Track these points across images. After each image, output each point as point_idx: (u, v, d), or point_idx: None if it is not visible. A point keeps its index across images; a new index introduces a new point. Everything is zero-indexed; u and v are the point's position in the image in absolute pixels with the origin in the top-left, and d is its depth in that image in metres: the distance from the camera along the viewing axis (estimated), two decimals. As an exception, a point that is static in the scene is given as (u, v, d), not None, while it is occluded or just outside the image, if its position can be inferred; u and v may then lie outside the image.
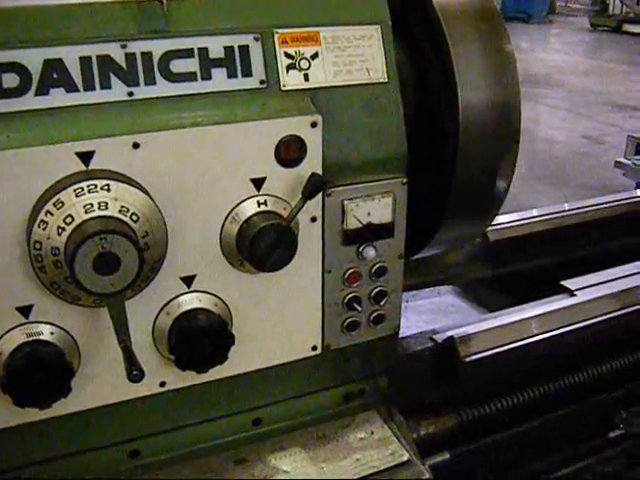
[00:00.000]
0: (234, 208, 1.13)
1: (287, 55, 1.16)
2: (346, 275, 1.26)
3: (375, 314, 1.32)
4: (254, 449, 1.30)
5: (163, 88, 1.08)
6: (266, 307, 1.22)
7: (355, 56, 1.21)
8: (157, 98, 1.07)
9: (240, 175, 1.12)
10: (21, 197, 0.99)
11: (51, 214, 0.97)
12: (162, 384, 1.18)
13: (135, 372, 0.99)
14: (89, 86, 1.04)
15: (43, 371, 1.03)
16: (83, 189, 0.98)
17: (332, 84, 1.19)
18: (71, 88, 1.03)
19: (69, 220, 0.98)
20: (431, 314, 1.78)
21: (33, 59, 1.01)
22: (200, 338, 1.11)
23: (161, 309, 1.13)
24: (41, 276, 1.00)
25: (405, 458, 1.31)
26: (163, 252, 1.06)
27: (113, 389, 1.15)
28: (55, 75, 1.02)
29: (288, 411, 1.34)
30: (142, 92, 1.07)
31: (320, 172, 1.16)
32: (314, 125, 1.14)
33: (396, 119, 1.24)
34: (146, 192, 1.03)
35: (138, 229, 1.01)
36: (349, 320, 1.30)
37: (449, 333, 1.54)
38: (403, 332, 1.64)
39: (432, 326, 1.73)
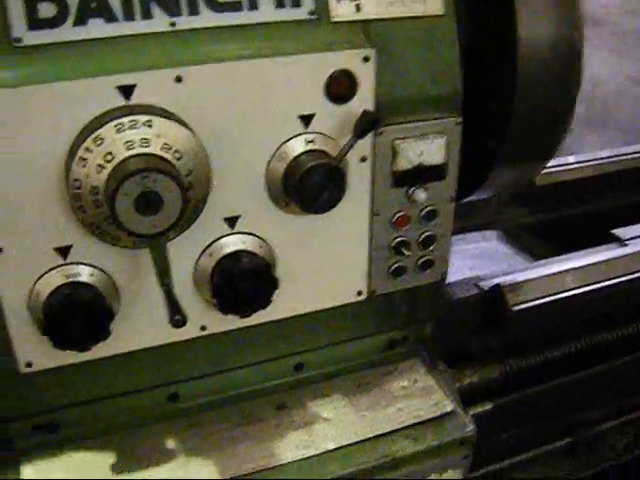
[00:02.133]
0: (281, 146, 1.06)
1: (340, -17, 1.08)
2: (395, 218, 1.20)
3: (423, 259, 1.26)
4: (295, 395, 1.27)
5: (207, 18, 1.00)
6: (311, 250, 1.17)
7: (410, -15, 1.12)
8: (201, 29, 1.00)
9: (288, 111, 1.05)
10: (59, 133, 0.94)
11: (90, 151, 0.92)
12: (203, 328, 1.15)
13: (177, 317, 0.96)
14: (129, 16, 0.96)
15: (82, 313, 1.00)
16: (124, 125, 0.92)
17: (386, 16, 1.10)
18: (110, 18, 0.95)
19: (109, 157, 0.92)
20: (476, 259, 1.72)
21: (70, -14, 0.94)
22: (243, 281, 1.06)
23: (203, 251, 1.09)
24: (80, 216, 0.96)
25: (449, 408, 1.27)
26: (206, 191, 1.01)
27: (153, 332, 1.12)
28: (93, 4, 0.95)
29: (330, 357, 1.31)
30: (185, 23, 0.99)
31: (372, 109, 1.09)
32: (367, 59, 1.06)
33: (452, 54, 1.15)
34: (189, 128, 0.97)
35: (181, 167, 0.96)
36: (396, 265, 1.24)
37: (495, 280, 1.48)
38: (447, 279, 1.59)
39: (477, 272, 1.68)
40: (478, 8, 1.23)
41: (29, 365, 1.06)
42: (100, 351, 1.07)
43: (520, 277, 1.47)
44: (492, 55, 1.23)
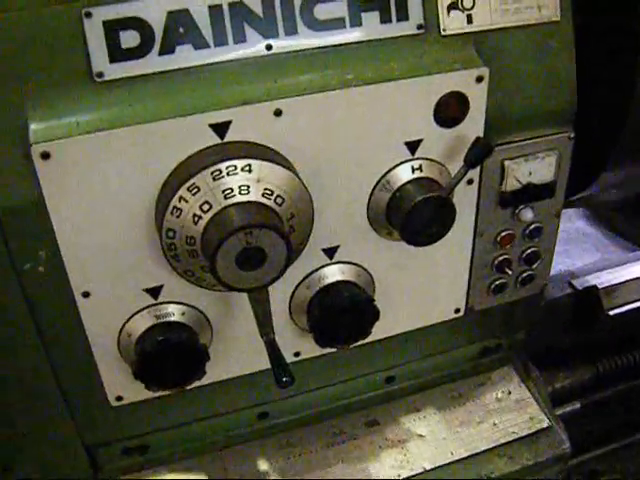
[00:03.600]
0: (385, 174, 0.94)
1: (450, -8, 0.92)
2: (499, 238, 1.08)
3: (524, 275, 1.14)
4: (386, 410, 1.20)
5: (306, 39, 0.87)
6: (410, 273, 1.07)
7: (524, -9, 0.96)
8: (300, 52, 0.87)
9: (394, 138, 0.92)
10: (147, 177, 0.83)
11: (185, 200, 0.82)
12: (297, 354, 1.07)
13: (286, 379, 0.87)
14: (220, 40, 0.84)
15: (176, 355, 0.93)
16: (221, 172, 0.82)
17: (499, 26, 0.95)
18: (200, 44, 0.83)
19: (206, 207, 0.82)
20: (563, 243, 1.58)
21: (155, 11, 0.81)
22: (342, 315, 0.98)
23: (300, 282, 0.99)
24: (174, 264, 0.86)
25: (545, 424, 1.19)
26: (309, 231, 0.90)
27: (243, 362, 1.04)
28: (181, 29, 0.82)
29: (422, 368, 1.23)
30: (282, 44, 0.86)
31: (482, 131, 0.96)
32: (480, 80, 0.92)
33: (568, 64, 1.00)
34: (290, 168, 0.86)
35: (283, 212, 0.85)
36: (497, 282, 1.13)
37: (589, 278, 1.36)
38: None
39: (565, 258, 1.56)
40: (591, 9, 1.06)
41: (119, 399, 1.01)
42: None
43: (616, 276, 1.35)
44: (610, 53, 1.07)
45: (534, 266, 1.13)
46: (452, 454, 1.15)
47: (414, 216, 0.92)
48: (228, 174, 0.82)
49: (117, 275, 0.90)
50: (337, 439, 1.16)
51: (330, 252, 0.99)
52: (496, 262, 1.11)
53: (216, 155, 0.83)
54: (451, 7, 0.92)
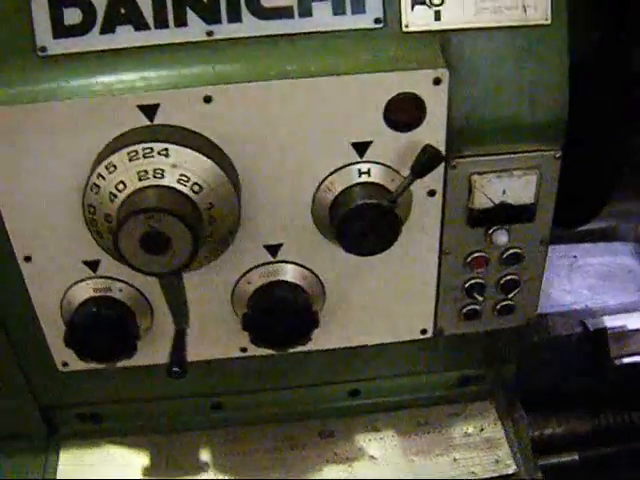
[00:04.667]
0: (329, 175, 0.88)
1: (417, -15, 0.84)
2: (469, 259, 0.98)
3: (502, 304, 1.03)
4: (345, 424, 1.13)
5: (250, 26, 0.83)
6: (368, 285, 0.99)
7: (507, -12, 0.86)
8: (242, 39, 0.83)
9: (339, 138, 0.86)
10: (80, 152, 0.83)
11: (103, 178, 0.80)
12: (243, 349, 1.03)
13: (175, 369, 0.84)
14: (161, 23, 0.81)
15: (107, 330, 0.92)
16: (137, 153, 0.80)
17: (472, 25, 0.86)
18: (140, 25, 0.81)
19: (121, 187, 0.80)
20: (599, 279, 1.42)
21: (99, -10, 0.81)
22: (274, 316, 0.93)
23: (242, 276, 0.96)
24: (98, 240, 0.86)
25: (511, 470, 1.07)
26: (234, 223, 0.86)
27: (191, 348, 1.02)
28: (123, 9, 0.81)
29: (391, 387, 1.15)
30: (224, 31, 0.82)
31: (441, 139, 0.87)
32: (437, 82, 0.83)
33: (557, 74, 0.88)
34: (215, 157, 0.82)
35: (201, 201, 0.82)
36: (469, 308, 1.03)
37: (608, 319, 1.20)
38: (557, 301, 1.34)
39: (597, 294, 1.40)
40: (598, 12, 0.93)
41: (65, 364, 1.02)
42: (135, 361, 1.00)
43: (635, 320, 1.18)
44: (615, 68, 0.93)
45: (511, 295, 1.01)
46: (403, 482, 1.07)
47: (350, 222, 0.85)
48: (144, 156, 0.80)
49: (57, 244, 0.91)
50: (285, 444, 1.10)
51: (273, 250, 0.94)
52: (467, 285, 1.00)
53: (136, 136, 0.81)
54: (417, 1, 0.84)
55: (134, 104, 0.81)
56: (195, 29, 0.82)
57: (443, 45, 0.85)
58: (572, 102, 0.90)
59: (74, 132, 0.82)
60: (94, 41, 0.82)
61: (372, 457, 1.09)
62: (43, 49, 0.82)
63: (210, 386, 1.10)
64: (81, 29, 0.81)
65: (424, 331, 1.05)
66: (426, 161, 0.84)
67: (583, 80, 0.92)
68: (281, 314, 0.93)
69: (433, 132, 0.86)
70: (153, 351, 1.00)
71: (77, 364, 1.01)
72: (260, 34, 0.83)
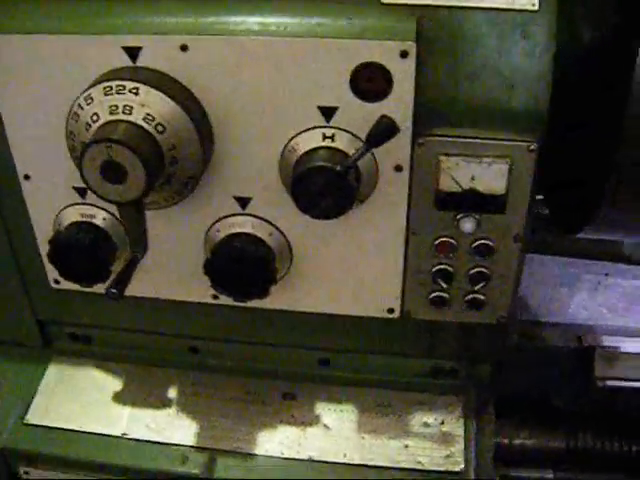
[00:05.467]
0: (295, 137, 0.90)
1: (398, -47, 0.84)
2: (436, 242, 0.97)
3: (471, 296, 1.01)
4: (310, 390, 1.14)
5: (236, -18, 0.87)
6: (336, 254, 1.00)
7: (497, -34, 0.83)
8: (223, -6, 0.88)
9: (306, 100, 0.88)
10: (71, 85, 0.90)
11: (82, 108, 0.87)
12: (215, 297, 1.07)
13: (113, 290, 0.90)
14: (157, -28, 0.88)
15: (81, 254, 0.99)
16: (112, 89, 0.86)
17: (454, 3, 0.84)
18: (141, -26, 0.88)
19: (95, 118, 0.86)
20: (626, 300, 1.33)
21: None
22: (231, 265, 0.96)
23: (213, 224, 1.00)
24: (78, 166, 0.93)
25: (458, 468, 1.04)
26: (198, 167, 0.90)
27: (170, 287, 1.08)
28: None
29: (363, 363, 1.15)
30: (212, -15, 0.87)
31: (408, 113, 0.86)
32: (404, 55, 0.83)
33: (541, 62, 0.85)
34: (182, 101, 0.87)
35: (163, 141, 0.86)
36: (436, 294, 1.01)
37: (605, 338, 1.13)
38: (566, 314, 1.28)
39: (618, 316, 1.32)
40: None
41: (57, 282, 1.11)
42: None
43: (630, 344, 1.10)
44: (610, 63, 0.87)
45: (477, 288, 0.99)
46: (344, 456, 1.06)
47: (303, 183, 0.87)
48: (117, 92, 0.86)
49: (52, 168, 1.00)
50: (248, 397, 1.14)
51: (242, 202, 0.97)
52: (434, 270, 0.99)
53: (114, 74, 0.87)
54: (399, -26, 0.84)
55: (119, 44, 0.87)
56: (181, -20, 0.88)
57: (422, 21, 0.85)
58: (564, 95, 0.87)
59: (68, 64, 0.90)
60: (92, -16, 0.90)
61: (326, 426, 1.10)
62: None
63: (188, 329, 1.15)
64: (82, -26, 0.89)
65: (391, 310, 1.05)
66: (380, 131, 0.84)
67: (579, 74, 0.88)
68: (239, 264, 0.96)
69: (400, 105, 0.86)
70: (140, 283, 1.07)
71: (66, 283, 1.10)
72: (237, -9, 0.87)
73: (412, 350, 1.12)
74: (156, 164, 0.86)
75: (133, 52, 0.88)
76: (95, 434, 1.10)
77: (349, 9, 0.85)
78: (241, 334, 1.14)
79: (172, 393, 1.15)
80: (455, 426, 1.09)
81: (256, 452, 1.07)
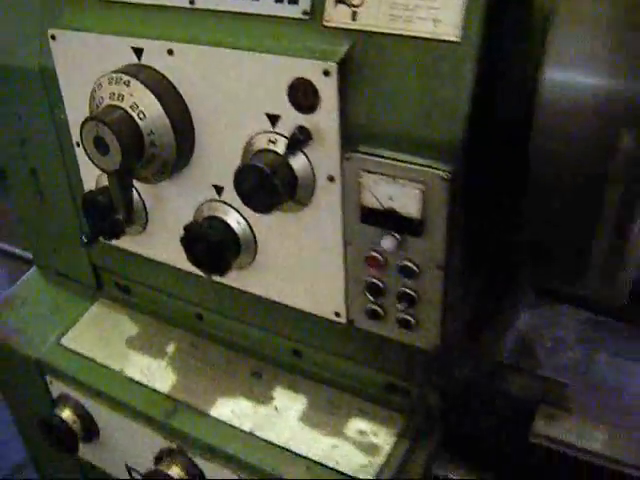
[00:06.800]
0: (253, 137, 1.02)
1: (340, -16, 0.91)
2: (366, 255, 1.01)
3: (401, 316, 1.03)
4: (277, 375, 1.24)
5: (218, 2, 1.01)
6: (291, 248, 1.10)
7: (424, 0, 0.87)
8: (209, 10, 1.02)
9: (256, 107, 1.00)
10: (95, 73, 1.11)
11: (95, 91, 1.09)
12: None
13: (83, 238, 1.10)
14: (162, -12, 1.06)
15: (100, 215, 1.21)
16: (114, 79, 1.06)
17: (383, 30, 0.89)
18: (150, -12, 1.08)
19: (101, 100, 1.08)
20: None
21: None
22: (196, 244, 1.10)
23: (200, 205, 1.15)
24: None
25: (363, 475, 1.06)
26: (172, 154, 1.07)
27: (171, 255, 1.24)
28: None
29: (329, 363, 1.21)
30: (202, 2, 1.02)
31: (335, 127, 0.94)
32: (327, 74, 0.91)
33: (459, 94, 0.86)
34: (162, 96, 1.04)
35: (144, 126, 1.04)
36: (371, 306, 1.05)
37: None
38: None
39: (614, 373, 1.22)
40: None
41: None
42: (138, 249, 1.29)
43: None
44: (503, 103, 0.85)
45: (409, 309, 1.00)
46: (278, 437, 1.15)
47: (238, 180, 0.99)
48: (116, 82, 1.06)
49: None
50: (225, 367, 1.27)
51: (219, 190, 1.12)
52: (367, 282, 1.03)
53: (122, 67, 1.07)
54: (339, 0, 0.92)
55: (128, 45, 1.08)
56: (182, -2, 1.05)
57: (355, 45, 0.91)
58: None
59: (98, 58, 1.12)
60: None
61: (276, 408, 1.20)
62: None
63: (192, 295, 1.32)
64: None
65: (337, 314, 1.11)
66: (290, 141, 0.93)
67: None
68: (202, 244, 1.10)
69: (327, 119, 0.94)
70: (154, 249, 1.27)
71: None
72: (221, 9, 1.01)
73: (365, 360, 1.16)
74: (134, 143, 1.04)
75: (138, 52, 1.07)
76: (101, 364, 1.32)
77: (295, 29, 0.95)
78: (233, 311, 1.28)
79: (170, 348, 1.33)
80: (386, 441, 1.12)
81: (210, 413, 1.21)
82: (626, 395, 1.26)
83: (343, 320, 1.11)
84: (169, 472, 1.21)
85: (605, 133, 0.78)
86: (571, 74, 0.79)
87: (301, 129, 0.94)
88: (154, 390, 1.27)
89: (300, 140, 0.93)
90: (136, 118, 1.05)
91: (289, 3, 0.96)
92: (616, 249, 0.86)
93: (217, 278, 1.16)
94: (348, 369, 1.19)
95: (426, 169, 0.90)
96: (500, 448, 1.09)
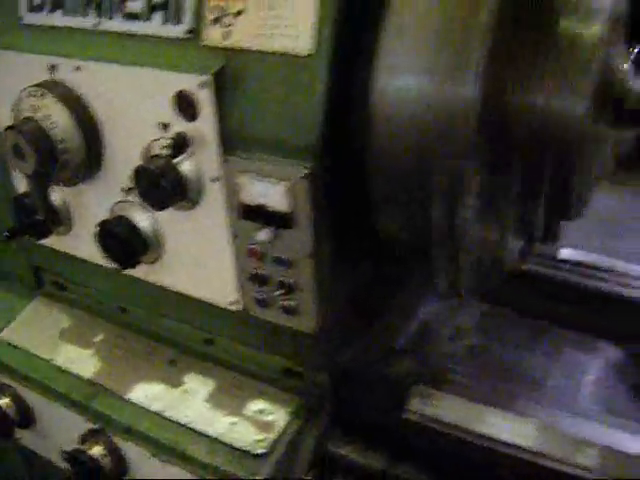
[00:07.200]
0: (150, 143, 1.14)
1: (216, 8, 1.04)
2: (249, 248, 1.13)
3: (283, 303, 1.14)
4: (189, 362, 1.36)
5: (118, 23, 1.14)
6: (190, 244, 1.22)
7: (282, 18, 0.99)
8: (110, 32, 1.15)
9: (150, 116, 1.12)
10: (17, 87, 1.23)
11: (17, 105, 1.22)
12: (118, 270, 1.33)
13: (6, 233, 1.23)
14: (75, 11, 1.19)
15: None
16: (32, 92, 1.19)
17: (248, 47, 1.02)
18: (68, 12, 1.20)
19: (20, 113, 1.21)
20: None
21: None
22: (109, 241, 1.23)
23: (113, 205, 1.27)
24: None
25: (251, 449, 1.18)
26: (82, 160, 1.19)
27: (90, 250, 1.35)
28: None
29: (237, 351, 1.32)
30: (104, 24, 1.16)
31: (214, 134, 1.06)
32: (202, 86, 1.03)
33: (313, 101, 0.99)
34: (72, 107, 1.17)
35: (55, 135, 1.17)
36: (258, 295, 1.17)
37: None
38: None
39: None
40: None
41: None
42: (67, 248, 1.41)
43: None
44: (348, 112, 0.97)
45: (285, 295, 1.12)
46: (185, 417, 1.26)
47: (136, 178, 1.11)
48: (33, 95, 1.19)
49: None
50: (146, 355, 1.38)
51: (127, 192, 1.24)
52: (253, 272, 1.15)
53: (40, 82, 1.20)
54: (215, 21, 1.05)
55: (45, 63, 1.21)
56: (90, 19, 1.18)
57: (228, 61, 1.04)
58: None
59: (19, 76, 1.25)
60: (39, 18, 1.24)
61: (185, 391, 1.31)
62: (21, 18, 1.26)
63: (113, 290, 1.44)
64: (39, 8, 1.24)
65: (233, 303, 1.22)
66: (175, 146, 1.06)
67: None
68: (110, 239, 1.23)
69: (207, 127, 1.07)
70: (78, 247, 1.39)
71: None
72: (121, 30, 1.14)
73: (264, 346, 1.27)
74: (46, 150, 1.17)
75: (53, 69, 1.20)
76: (33, 355, 1.44)
77: (179, 48, 1.09)
78: (151, 304, 1.39)
79: (98, 338, 1.45)
80: (279, 419, 1.22)
81: (126, 396, 1.32)
82: (515, 379, 1.38)
83: (240, 308, 1.22)
84: (91, 452, 1.33)
85: (422, 145, 0.88)
86: (396, 81, 0.91)
87: (179, 135, 1.06)
88: (78, 376, 1.38)
89: (180, 145, 1.06)
90: (48, 128, 1.18)
91: (174, 24, 1.09)
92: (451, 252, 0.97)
93: (131, 271, 1.28)
94: (251, 355, 1.31)
95: (289, 168, 1.02)
96: (385, 427, 1.20)
